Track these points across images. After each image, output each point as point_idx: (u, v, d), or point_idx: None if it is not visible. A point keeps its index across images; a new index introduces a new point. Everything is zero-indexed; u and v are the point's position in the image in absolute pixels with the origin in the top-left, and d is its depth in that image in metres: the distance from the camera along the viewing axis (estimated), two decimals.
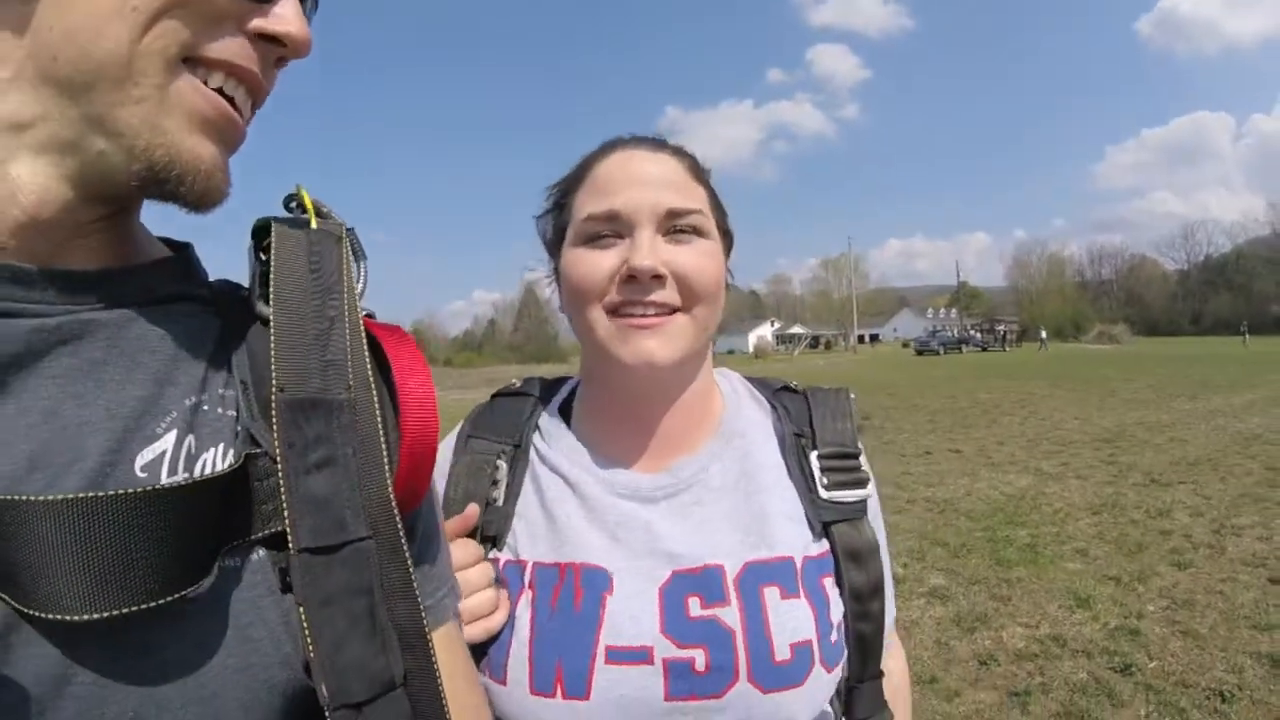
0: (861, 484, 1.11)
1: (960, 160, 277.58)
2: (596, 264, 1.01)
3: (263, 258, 0.70)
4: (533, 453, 1.11)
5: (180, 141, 0.59)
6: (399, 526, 0.65)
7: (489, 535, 1.05)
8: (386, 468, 0.66)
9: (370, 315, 0.74)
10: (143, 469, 0.57)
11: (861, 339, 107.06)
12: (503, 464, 1.08)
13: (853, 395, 1.20)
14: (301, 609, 0.59)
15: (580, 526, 1.03)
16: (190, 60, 0.59)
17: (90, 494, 0.51)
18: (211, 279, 0.75)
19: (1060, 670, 4.42)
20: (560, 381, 1.23)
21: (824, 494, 1.08)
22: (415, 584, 0.66)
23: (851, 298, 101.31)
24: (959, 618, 5.21)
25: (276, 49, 0.64)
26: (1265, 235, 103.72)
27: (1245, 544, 6.53)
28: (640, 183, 1.02)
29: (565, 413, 1.17)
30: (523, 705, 0.95)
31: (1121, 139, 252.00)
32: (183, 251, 0.73)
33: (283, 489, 0.61)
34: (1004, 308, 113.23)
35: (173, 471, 0.59)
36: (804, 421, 1.14)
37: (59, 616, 0.49)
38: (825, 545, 1.06)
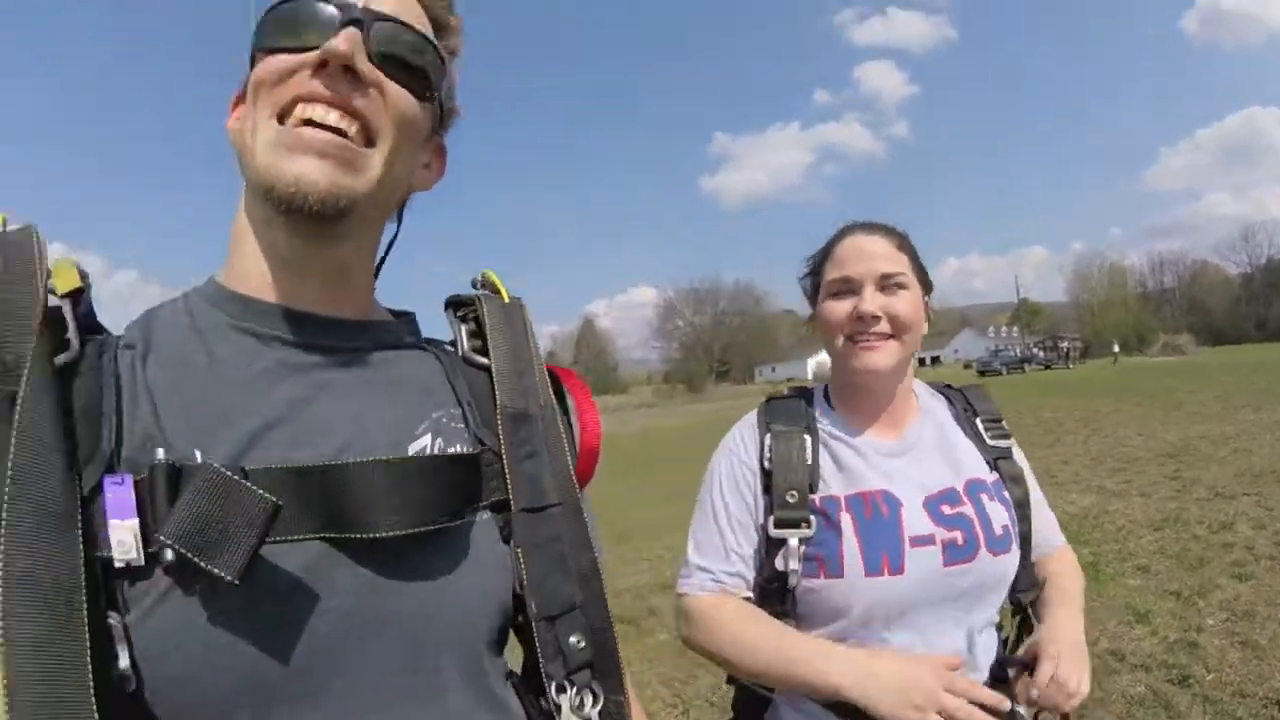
0: (1007, 436, 1.74)
1: (1012, 173, 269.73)
2: (840, 310, 1.61)
3: (464, 321, 1.05)
4: (821, 431, 1.66)
5: (279, 166, 0.79)
6: (579, 498, 0.96)
7: (810, 482, 1.57)
8: (569, 460, 0.97)
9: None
10: (413, 452, 0.86)
11: (922, 361, 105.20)
12: (807, 437, 1.62)
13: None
14: (519, 550, 0.89)
15: (866, 471, 1.59)
16: (285, 117, 0.82)
17: (400, 456, 0.82)
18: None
19: (1118, 684, 4.52)
20: (808, 390, 1.80)
21: (990, 442, 1.71)
22: (591, 537, 0.96)
23: None
24: None
25: (331, 68, 0.81)
26: None
27: None
28: (864, 257, 1.61)
29: (826, 404, 1.74)
30: (856, 587, 1.48)
31: (1174, 141, 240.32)
32: (409, 315, 1.04)
33: (506, 470, 0.91)
34: (1066, 323, 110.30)
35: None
36: (965, 403, 1.79)
37: (377, 534, 0.74)
38: (996, 475, 1.66)
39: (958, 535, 1.51)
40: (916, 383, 1.78)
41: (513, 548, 0.89)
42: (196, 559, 0.65)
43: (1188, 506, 8.68)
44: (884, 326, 1.56)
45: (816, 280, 1.71)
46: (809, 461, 1.58)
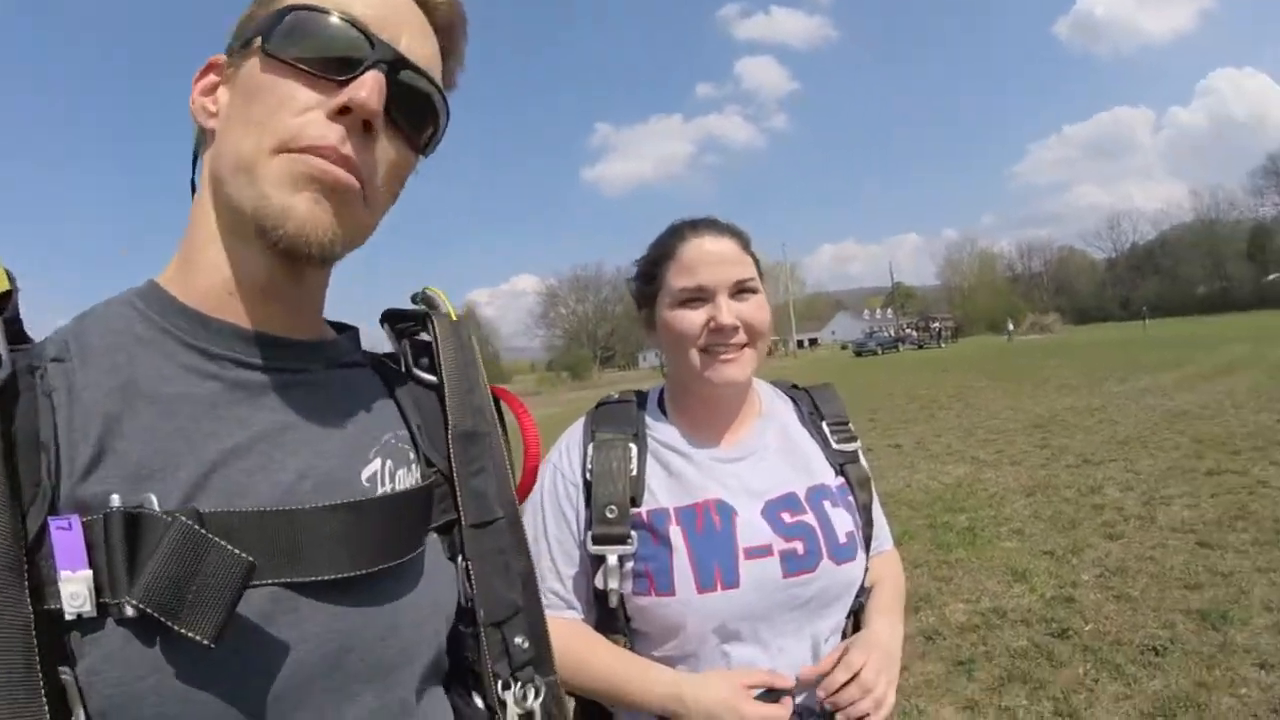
0: (854, 439, 1.68)
1: (889, 164, 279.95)
2: (692, 320, 1.50)
3: (405, 337, 1.05)
4: (649, 439, 1.58)
5: (276, 200, 0.75)
6: (518, 511, 1.00)
7: (632, 495, 1.48)
8: (511, 476, 1.01)
9: None
10: (366, 480, 0.85)
11: (800, 344, 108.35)
12: (632, 446, 1.54)
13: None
14: (468, 563, 0.93)
15: (699, 480, 1.51)
16: (288, 151, 0.76)
17: (354, 499, 0.79)
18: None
19: (1001, 639, 4.69)
20: (644, 393, 1.70)
21: (835, 446, 1.64)
22: (527, 546, 1.01)
23: (789, 304, 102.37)
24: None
25: (354, 117, 0.78)
26: (1188, 221, 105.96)
27: (1174, 512, 6.90)
28: (715, 262, 1.51)
29: (659, 410, 1.65)
30: (689, 604, 1.40)
31: (1044, 136, 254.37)
32: (352, 330, 1.01)
33: (456, 490, 0.94)
34: (938, 305, 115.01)
35: (383, 483, 0.87)
36: (811, 405, 1.71)
37: (335, 575, 0.74)
38: (842, 479, 1.60)
39: (798, 545, 1.46)
40: (760, 384, 1.72)
41: (461, 562, 0.93)
42: (169, 622, 0.63)
43: (1057, 473, 9.15)
44: (740, 337, 1.49)
45: (653, 286, 1.60)
46: (633, 472, 1.51)
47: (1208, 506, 6.94)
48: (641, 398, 1.67)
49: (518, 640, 0.95)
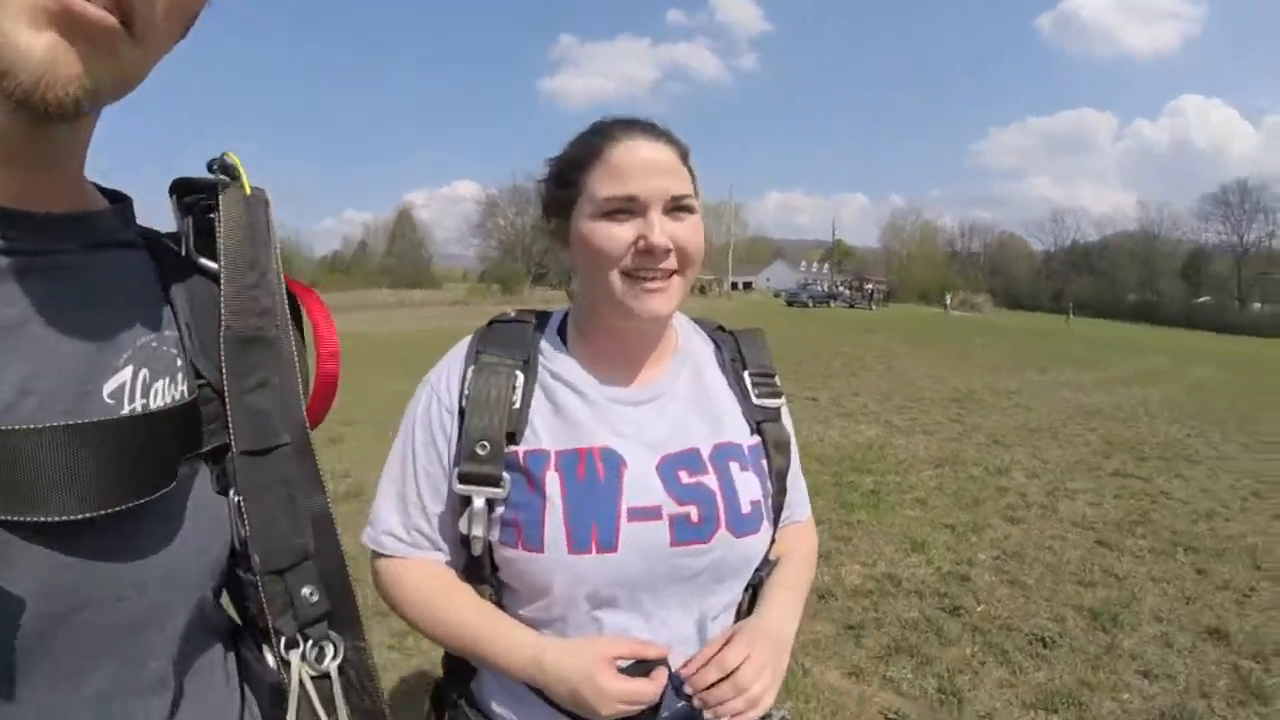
0: (778, 395, 1.48)
1: (849, 122, 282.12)
2: (617, 236, 1.25)
3: (192, 212, 0.86)
4: (540, 368, 1.37)
5: (12, 37, 0.58)
6: (309, 436, 0.87)
7: (510, 431, 1.29)
8: (301, 392, 0.87)
9: None
10: (110, 395, 0.70)
11: (735, 286, 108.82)
12: (519, 374, 1.33)
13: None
14: (240, 498, 0.80)
15: (591, 423, 1.32)
16: None
17: (93, 420, 0.65)
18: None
19: (894, 608, 4.66)
20: (546, 314, 1.49)
21: (755, 401, 1.44)
22: (323, 480, 0.87)
23: (729, 245, 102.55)
24: None
25: None
26: (1132, 230, 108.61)
27: (1077, 507, 7.01)
28: (649, 171, 1.26)
29: (559, 338, 1.44)
30: (559, 564, 1.23)
31: (1007, 122, 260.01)
32: (123, 202, 0.83)
33: (228, 407, 0.80)
34: (875, 268, 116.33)
35: (132, 399, 0.72)
36: (735, 351, 1.50)
37: (57, 518, 0.61)
38: (758, 439, 1.42)
39: (692, 510, 1.28)
40: (680, 318, 1.51)
41: (233, 497, 0.81)
42: None
43: (967, 449, 9.28)
44: (671, 261, 1.27)
45: (570, 192, 1.34)
46: (515, 405, 1.32)
47: (1110, 507, 7.07)
48: (542, 320, 1.47)
49: (305, 591, 0.84)
